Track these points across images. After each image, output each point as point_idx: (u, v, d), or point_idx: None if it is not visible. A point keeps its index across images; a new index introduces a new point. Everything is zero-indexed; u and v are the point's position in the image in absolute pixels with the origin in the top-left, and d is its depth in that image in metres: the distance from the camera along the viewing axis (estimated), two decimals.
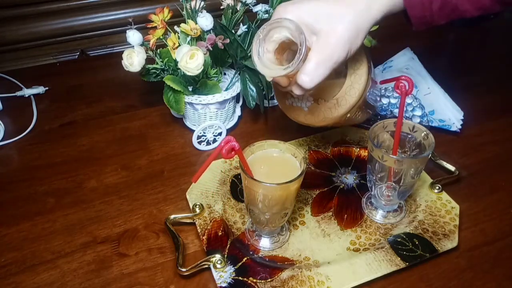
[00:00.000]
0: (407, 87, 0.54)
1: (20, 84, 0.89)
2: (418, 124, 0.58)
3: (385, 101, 0.77)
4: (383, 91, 0.77)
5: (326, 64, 0.48)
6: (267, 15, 0.73)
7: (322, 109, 0.58)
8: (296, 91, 0.51)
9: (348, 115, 0.58)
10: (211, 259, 0.54)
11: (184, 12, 0.70)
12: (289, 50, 0.51)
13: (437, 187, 0.64)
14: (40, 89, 0.88)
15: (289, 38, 0.47)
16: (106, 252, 0.58)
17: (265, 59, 0.49)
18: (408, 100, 0.76)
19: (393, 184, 0.57)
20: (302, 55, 0.45)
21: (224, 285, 0.52)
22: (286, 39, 0.48)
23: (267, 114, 0.82)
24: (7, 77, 0.91)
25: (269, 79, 0.50)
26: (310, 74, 0.48)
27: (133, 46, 0.67)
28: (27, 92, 0.87)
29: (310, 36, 0.48)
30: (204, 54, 0.65)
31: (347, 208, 0.64)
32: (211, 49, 0.67)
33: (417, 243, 0.57)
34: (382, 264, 0.55)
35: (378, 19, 0.50)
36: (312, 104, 0.59)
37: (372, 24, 0.49)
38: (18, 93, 0.86)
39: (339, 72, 0.56)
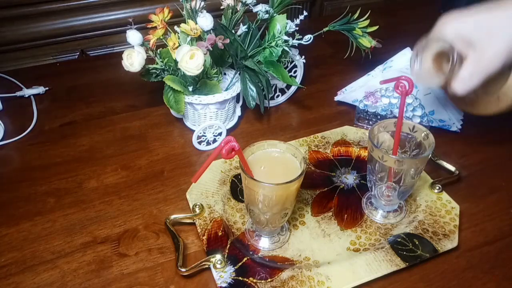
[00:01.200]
0: (407, 87, 0.54)
1: (20, 84, 0.89)
2: (418, 124, 0.58)
3: (385, 101, 0.77)
4: (383, 91, 0.77)
5: (479, 75, 0.50)
6: (267, 15, 0.73)
7: (482, 102, 0.59)
8: (451, 94, 0.53)
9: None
10: (211, 259, 0.54)
11: (184, 12, 0.70)
12: (446, 58, 0.53)
13: (437, 187, 0.64)
14: (40, 89, 0.88)
15: (444, 49, 0.51)
16: (106, 252, 0.58)
17: (422, 71, 0.54)
18: (408, 100, 0.76)
19: (393, 184, 0.57)
20: (452, 71, 0.50)
21: (224, 285, 0.52)
22: (442, 51, 0.52)
23: (267, 114, 0.82)
24: (7, 77, 0.91)
25: (424, 85, 0.56)
26: (463, 83, 0.51)
27: (133, 46, 0.67)
28: (27, 92, 0.87)
29: (467, 47, 0.50)
30: (204, 54, 0.65)
31: (347, 208, 0.64)
32: (211, 49, 0.67)
33: (417, 243, 0.57)
34: (382, 264, 0.55)
35: None
36: (472, 97, 0.59)
37: None
38: (18, 93, 0.86)
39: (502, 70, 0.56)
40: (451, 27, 0.50)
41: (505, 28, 0.47)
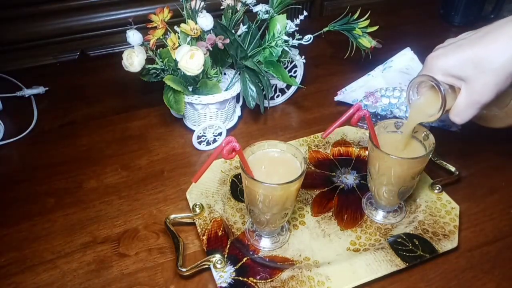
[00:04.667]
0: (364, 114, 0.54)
1: (20, 84, 0.89)
2: (418, 124, 0.58)
3: (385, 101, 0.77)
4: (383, 91, 0.78)
5: (474, 106, 0.51)
6: (267, 15, 0.73)
7: (490, 119, 0.60)
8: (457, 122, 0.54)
9: None
10: (211, 259, 0.54)
11: (184, 12, 0.70)
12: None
13: (437, 188, 0.64)
14: (40, 89, 0.88)
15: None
16: (106, 252, 0.58)
17: (416, 104, 0.56)
18: None
19: (393, 184, 0.57)
20: (443, 110, 0.52)
21: (224, 285, 0.52)
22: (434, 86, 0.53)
23: (267, 114, 0.82)
24: (7, 77, 0.91)
25: (423, 121, 0.56)
26: (459, 115, 0.53)
27: (133, 46, 0.67)
28: (27, 92, 0.87)
29: (459, 81, 0.51)
30: (204, 54, 0.65)
31: (347, 208, 0.64)
32: (211, 49, 0.67)
33: (417, 243, 0.57)
34: (382, 264, 0.55)
35: None
36: (483, 113, 0.59)
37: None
38: (18, 93, 0.86)
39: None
40: (438, 66, 0.52)
41: (489, 62, 0.49)
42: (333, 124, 0.52)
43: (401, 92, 0.76)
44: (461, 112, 0.52)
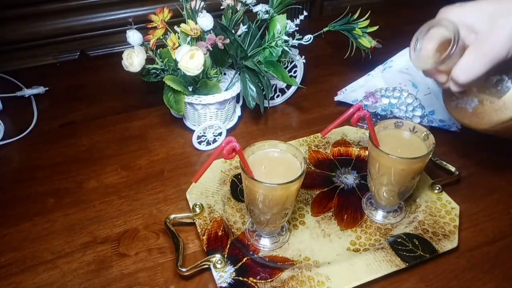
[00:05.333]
0: (364, 114, 0.53)
1: (20, 84, 0.89)
2: (418, 124, 0.58)
3: (385, 101, 0.77)
4: (383, 91, 0.77)
5: (482, 60, 0.48)
6: (267, 15, 0.73)
7: (488, 111, 0.56)
8: (453, 87, 0.51)
9: None
10: (211, 259, 0.54)
11: (184, 12, 0.70)
12: (446, 46, 0.51)
13: (437, 188, 0.64)
14: (40, 89, 0.88)
15: (448, 38, 0.49)
16: (106, 252, 0.58)
17: (421, 53, 0.52)
18: (408, 100, 0.76)
19: (393, 184, 0.57)
20: (453, 49, 0.47)
21: (224, 285, 0.52)
22: (446, 39, 0.50)
23: (267, 114, 0.82)
24: (7, 77, 0.91)
25: (418, 69, 0.53)
26: (464, 70, 0.48)
27: (133, 46, 0.67)
28: (27, 92, 0.87)
29: (469, 34, 0.48)
30: (204, 54, 0.65)
31: (347, 208, 0.64)
32: (211, 49, 0.67)
33: (417, 243, 0.57)
34: (382, 264, 0.55)
35: None
36: (477, 105, 0.57)
37: None
38: (18, 93, 0.86)
39: None
40: (453, 13, 0.49)
41: (509, 13, 0.47)
42: (333, 123, 0.52)
43: (401, 92, 0.76)
44: (466, 66, 0.49)
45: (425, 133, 0.57)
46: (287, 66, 0.80)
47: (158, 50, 0.70)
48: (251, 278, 0.53)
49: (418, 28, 0.55)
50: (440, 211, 0.62)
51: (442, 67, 0.52)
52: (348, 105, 0.83)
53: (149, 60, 0.69)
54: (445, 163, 0.69)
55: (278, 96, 0.84)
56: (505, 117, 0.55)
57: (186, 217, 0.61)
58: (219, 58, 0.72)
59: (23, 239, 0.60)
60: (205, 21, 0.67)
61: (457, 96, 0.57)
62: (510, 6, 0.47)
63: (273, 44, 0.74)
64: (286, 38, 0.73)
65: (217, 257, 0.54)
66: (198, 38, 0.68)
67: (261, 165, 0.53)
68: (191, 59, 0.64)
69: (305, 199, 0.65)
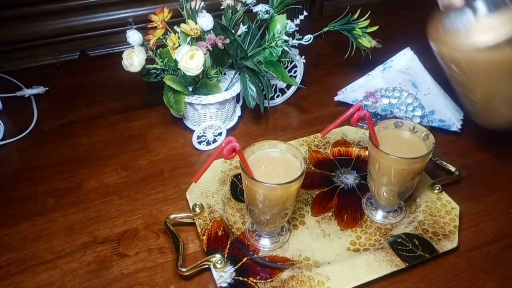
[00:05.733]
0: (364, 114, 0.53)
1: (20, 84, 0.89)
2: (418, 124, 0.58)
3: (385, 101, 0.77)
4: (383, 91, 0.78)
5: None
6: (267, 15, 0.73)
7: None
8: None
9: None
10: (211, 259, 0.54)
11: (184, 12, 0.70)
12: None
13: (437, 188, 0.64)
14: (40, 89, 0.88)
15: None
16: (106, 252, 0.58)
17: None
18: (408, 100, 0.76)
19: (393, 184, 0.57)
20: None
21: (224, 285, 0.52)
22: None
23: (267, 114, 0.82)
24: (7, 77, 0.91)
25: None
26: None
27: (133, 46, 0.67)
28: (27, 92, 0.87)
29: None
30: (204, 54, 0.65)
31: (347, 208, 0.64)
32: (211, 49, 0.67)
33: (417, 243, 0.57)
34: (382, 264, 0.55)
35: None
36: (471, 23, 0.52)
37: None
38: (18, 93, 0.86)
39: None
40: None
41: None
42: (333, 123, 0.52)
43: (401, 92, 0.76)
44: None
45: (425, 133, 0.57)
46: (287, 66, 0.80)
47: (158, 50, 0.70)
48: (251, 278, 0.53)
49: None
50: (440, 211, 0.62)
51: None
52: (348, 105, 0.83)
53: (149, 60, 0.69)
54: (445, 163, 0.69)
55: (278, 96, 0.84)
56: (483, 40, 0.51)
57: (186, 217, 0.61)
58: (219, 58, 0.72)
59: (23, 239, 0.60)
60: (205, 21, 0.67)
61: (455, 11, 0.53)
62: None
63: (273, 44, 0.74)
64: (286, 38, 0.73)
65: (217, 257, 0.54)
66: (198, 38, 0.68)
67: (261, 165, 0.53)
68: (191, 59, 0.64)
69: (305, 199, 0.65)
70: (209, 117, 0.73)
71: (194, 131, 0.73)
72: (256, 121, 0.81)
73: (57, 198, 0.66)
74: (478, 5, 0.50)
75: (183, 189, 0.66)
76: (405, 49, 0.84)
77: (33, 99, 0.86)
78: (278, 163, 0.54)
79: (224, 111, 0.74)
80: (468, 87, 0.57)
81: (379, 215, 0.62)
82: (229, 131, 0.78)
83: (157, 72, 0.71)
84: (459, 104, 0.78)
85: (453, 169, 0.68)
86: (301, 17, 0.74)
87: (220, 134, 0.75)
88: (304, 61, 0.80)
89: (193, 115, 0.74)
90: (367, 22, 0.76)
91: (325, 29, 0.76)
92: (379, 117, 0.77)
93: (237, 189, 0.65)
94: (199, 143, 0.74)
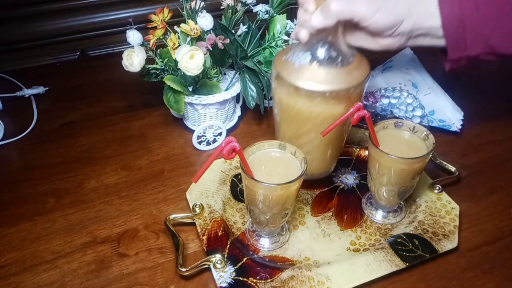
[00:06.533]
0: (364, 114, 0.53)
1: (20, 84, 0.89)
2: (418, 125, 0.58)
3: (385, 101, 0.77)
4: (383, 91, 0.77)
5: (349, 2, 0.50)
6: (267, 15, 0.73)
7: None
8: (316, 19, 0.51)
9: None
10: (211, 259, 0.54)
11: (184, 12, 0.70)
12: None
13: (437, 188, 0.64)
14: (40, 89, 0.88)
15: None
16: (106, 252, 0.58)
17: None
18: (408, 100, 0.76)
19: (393, 184, 0.57)
20: None
21: (224, 285, 0.52)
22: None
23: (267, 114, 0.82)
24: (7, 77, 0.91)
25: None
26: (339, 1, 0.50)
27: (133, 46, 0.67)
28: (27, 92, 0.87)
29: None
30: (204, 54, 0.65)
31: (347, 208, 0.64)
32: (211, 49, 0.67)
33: (417, 243, 0.57)
34: (382, 264, 0.55)
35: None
36: (305, 64, 0.55)
37: (400, 21, 0.53)
38: (18, 93, 0.86)
39: None
40: None
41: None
42: (333, 123, 0.52)
43: (401, 92, 0.76)
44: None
45: (425, 133, 0.57)
46: None
47: (158, 50, 0.70)
48: (251, 278, 0.53)
49: None
50: (440, 211, 0.62)
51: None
52: None
53: (149, 60, 0.69)
54: (445, 163, 0.69)
55: None
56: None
57: (186, 217, 0.61)
58: (219, 58, 0.72)
59: (23, 239, 0.60)
60: (205, 21, 0.67)
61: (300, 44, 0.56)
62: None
63: (273, 44, 0.74)
64: (286, 38, 0.73)
65: (217, 257, 0.54)
66: (198, 38, 0.68)
67: (261, 165, 0.53)
68: (191, 59, 0.64)
69: (305, 199, 0.65)
70: (209, 117, 0.73)
71: (194, 131, 0.73)
72: (256, 121, 0.81)
73: (57, 198, 0.66)
74: (318, 53, 0.53)
75: (183, 189, 0.66)
76: (405, 50, 0.84)
77: (33, 99, 0.86)
78: (278, 163, 0.54)
79: (224, 111, 0.74)
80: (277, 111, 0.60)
81: (379, 215, 0.62)
82: (229, 131, 0.78)
83: (157, 72, 0.71)
84: (459, 104, 0.79)
85: (453, 169, 0.68)
86: None
87: (220, 134, 0.75)
88: None
89: (193, 115, 0.74)
90: None
91: None
92: (379, 117, 0.77)
93: (237, 189, 0.65)
94: (199, 143, 0.74)
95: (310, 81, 0.53)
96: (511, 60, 0.56)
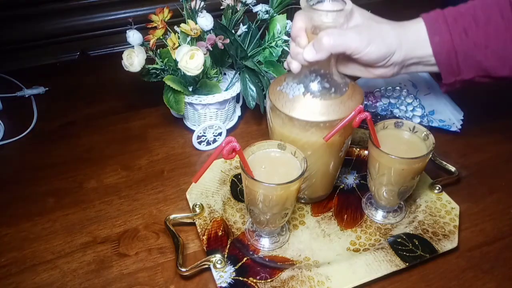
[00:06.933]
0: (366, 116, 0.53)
1: (20, 84, 0.89)
2: (418, 125, 0.58)
3: (385, 101, 0.77)
4: (383, 91, 0.78)
5: (341, 36, 0.51)
6: (267, 15, 0.72)
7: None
8: (309, 53, 0.52)
9: None
10: (211, 259, 0.54)
11: (184, 12, 0.70)
12: None
13: (437, 188, 0.64)
14: (40, 89, 0.88)
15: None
16: (106, 252, 0.58)
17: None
18: (408, 100, 0.76)
19: (393, 184, 0.57)
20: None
21: (224, 285, 0.52)
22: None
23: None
24: (7, 77, 0.91)
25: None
26: (331, 36, 0.50)
27: (133, 46, 0.67)
28: (27, 92, 0.87)
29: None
30: (204, 54, 0.65)
31: (347, 208, 0.64)
32: (211, 49, 0.67)
33: (417, 243, 0.57)
34: (382, 264, 0.55)
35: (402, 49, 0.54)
36: (299, 95, 0.55)
37: (392, 52, 0.54)
38: (18, 93, 0.86)
39: None
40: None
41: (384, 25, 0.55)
42: (335, 128, 0.52)
43: (401, 92, 0.76)
44: (333, 34, 0.51)
45: (425, 133, 0.57)
46: None
47: (158, 50, 0.70)
48: (251, 278, 0.53)
49: None
50: (440, 211, 0.62)
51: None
52: None
53: (149, 60, 0.69)
54: (445, 163, 0.69)
55: None
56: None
57: (186, 217, 0.61)
58: (219, 58, 0.72)
59: (23, 239, 0.60)
60: (205, 21, 0.67)
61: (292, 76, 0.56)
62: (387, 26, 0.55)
63: (273, 44, 0.74)
64: (286, 38, 0.73)
65: (217, 257, 0.54)
66: (198, 38, 0.68)
67: (261, 165, 0.53)
68: (191, 59, 0.64)
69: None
70: (209, 117, 0.73)
71: (194, 131, 0.73)
72: (256, 121, 0.81)
73: (57, 198, 0.66)
74: (311, 86, 0.54)
75: (183, 189, 0.66)
76: None
77: (33, 99, 0.86)
78: (278, 163, 0.54)
79: (224, 111, 0.74)
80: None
81: (379, 215, 0.62)
82: (229, 131, 0.78)
83: (157, 72, 0.71)
84: (459, 104, 0.79)
85: (453, 169, 0.68)
86: None
87: (220, 134, 0.75)
88: None
89: (193, 115, 0.74)
90: None
91: None
92: (379, 117, 0.77)
93: (237, 189, 0.65)
94: (199, 143, 0.74)
95: (304, 112, 0.53)
96: (506, 81, 0.56)
